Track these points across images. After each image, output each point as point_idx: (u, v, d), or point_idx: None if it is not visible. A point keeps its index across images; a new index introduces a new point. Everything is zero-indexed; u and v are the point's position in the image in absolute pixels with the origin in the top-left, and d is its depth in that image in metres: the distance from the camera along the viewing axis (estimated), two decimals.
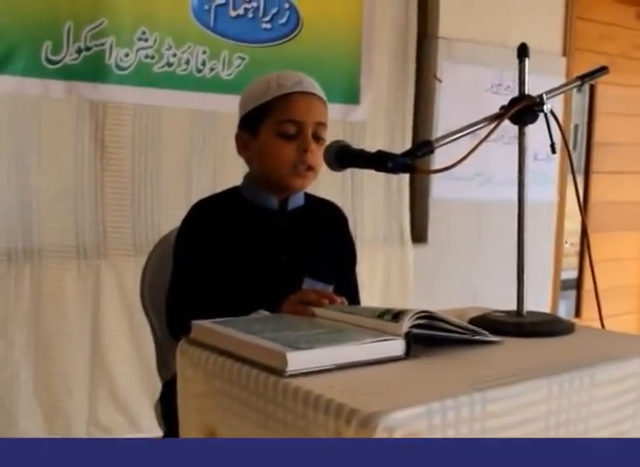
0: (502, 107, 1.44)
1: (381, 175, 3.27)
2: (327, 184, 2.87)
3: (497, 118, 1.40)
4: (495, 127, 1.37)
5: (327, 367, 1.07)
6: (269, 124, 1.61)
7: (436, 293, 3.48)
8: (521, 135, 1.45)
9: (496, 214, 3.64)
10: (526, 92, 1.43)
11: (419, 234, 3.55)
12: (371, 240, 3.34)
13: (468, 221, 3.68)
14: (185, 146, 2.83)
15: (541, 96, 1.40)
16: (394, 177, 3.33)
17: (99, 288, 2.66)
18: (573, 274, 4.57)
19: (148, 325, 1.84)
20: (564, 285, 4.42)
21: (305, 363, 1.05)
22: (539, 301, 3.92)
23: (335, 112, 3.15)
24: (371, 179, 3.29)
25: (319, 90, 1.65)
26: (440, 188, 3.56)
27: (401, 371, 1.10)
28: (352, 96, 3.28)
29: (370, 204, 3.33)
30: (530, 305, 1.44)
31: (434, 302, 1.55)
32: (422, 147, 1.33)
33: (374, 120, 3.33)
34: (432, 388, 1.03)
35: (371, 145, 3.18)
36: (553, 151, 1.43)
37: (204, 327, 1.23)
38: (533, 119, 1.42)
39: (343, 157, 1.38)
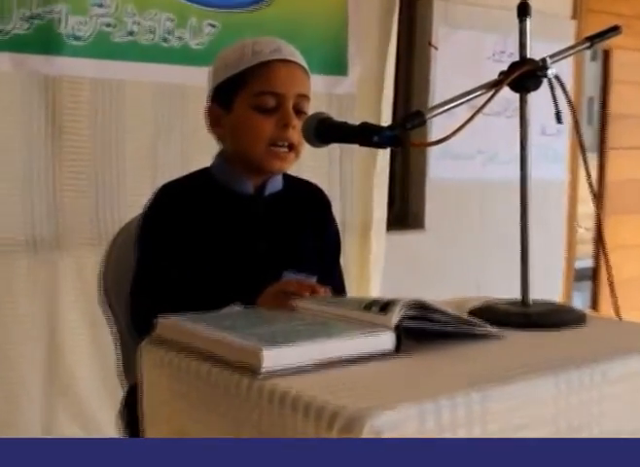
0: (501, 73, 1.43)
1: (369, 154, 3.27)
2: (310, 163, 2.87)
3: (495, 85, 1.40)
4: (493, 95, 1.37)
5: (307, 364, 1.07)
6: (245, 96, 1.60)
7: (434, 284, 3.49)
8: (523, 104, 1.44)
9: (501, 196, 3.64)
10: (528, 56, 1.42)
11: (415, 220, 3.56)
12: (361, 226, 3.34)
13: (469, 203, 3.69)
14: (150, 124, 2.82)
15: (544, 60, 1.40)
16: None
17: (56, 283, 2.64)
18: (589, 263, 4.59)
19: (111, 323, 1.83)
20: (579, 275, 4.44)
21: (283, 360, 1.05)
22: (550, 292, 3.93)
23: (318, 84, 3.15)
24: (361, 158, 3.29)
25: (300, 59, 1.65)
26: (438, 167, 3.57)
27: (390, 368, 1.10)
28: (339, 67, 3.27)
29: (359, 187, 3.33)
30: (540, 297, 1.44)
31: (432, 293, 1.55)
32: (412, 118, 1.32)
33: (365, 92, 3.32)
34: (425, 386, 1.03)
35: (360, 121, 3.16)
36: (559, 120, 1.43)
37: (170, 324, 1.23)
38: (536, 85, 1.42)
39: (324, 131, 1.38)
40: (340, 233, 1.85)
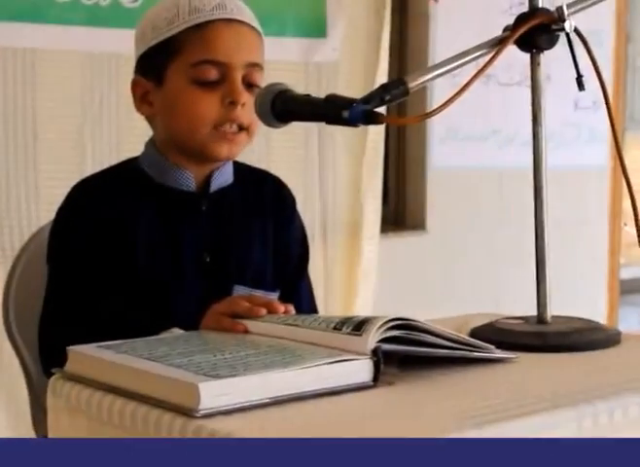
0: (506, 28, 1.44)
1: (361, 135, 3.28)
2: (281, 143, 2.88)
3: (500, 42, 1.41)
4: (495, 56, 1.37)
5: (258, 401, 1.07)
6: (179, 66, 1.60)
7: (439, 298, 3.50)
8: (534, 67, 1.45)
9: (522, 185, 3.63)
10: (540, 5, 1.43)
11: (414, 219, 3.58)
12: (347, 227, 3.35)
13: (482, 197, 3.70)
14: (73, 104, 2.82)
15: (560, 10, 1.41)
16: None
17: None
18: None
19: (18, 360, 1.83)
20: (628, 286, 4.46)
21: (227, 397, 1.05)
22: (593, 307, 3.95)
23: (292, 50, 3.18)
24: (346, 139, 3.30)
25: (250, 17, 1.65)
26: (441, 153, 3.58)
27: (365, 404, 1.10)
28: (316, 27, 3.28)
29: (345, 176, 3.34)
30: (581, 314, 1.46)
31: (436, 311, 1.56)
32: (391, 88, 1.33)
33: (350, 58, 3.33)
34: (409, 426, 1.03)
35: (346, 94, 3.17)
36: (580, 87, 1.44)
37: (85, 354, 1.23)
38: (550, 42, 1.43)
39: (282, 106, 1.38)
40: (320, 235, 1.85)
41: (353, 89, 3.23)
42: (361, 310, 3.29)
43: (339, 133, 3.30)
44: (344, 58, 3.34)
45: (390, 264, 3.40)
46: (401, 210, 3.62)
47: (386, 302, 3.36)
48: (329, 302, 3.19)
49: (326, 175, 3.32)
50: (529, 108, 1.48)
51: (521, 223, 3.69)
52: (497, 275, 3.72)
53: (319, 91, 1.40)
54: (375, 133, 3.36)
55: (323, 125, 3.01)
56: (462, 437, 0.99)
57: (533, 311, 1.50)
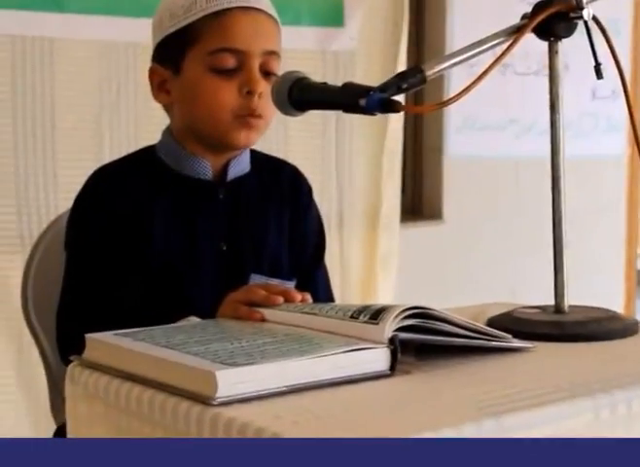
0: (524, 16, 1.44)
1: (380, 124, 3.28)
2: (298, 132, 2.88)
3: (518, 31, 1.40)
4: (513, 44, 1.37)
5: (275, 390, 1.07)
6: (197, 54, 1.60)
7: (456, 288, 3.49)
8: (552, 55, 1.45)
9: (540, 175, 3.63)
10: None
11: (431, 208, 3.57)
12: (365, 218, 3.35)
13: (499, 187, 3.69)
14: (91, 94, 2.83)
15: None
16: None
17: None
18: None
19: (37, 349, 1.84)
20: None
21: (244, 385, 1.05)
22: (610, 297, 3.94)
23: (309, 39, 3.18)
24: (363, 128, 3.30)
25: (268, 4, 1.65)
26: (458, 142, 3.57)
27: (382, 392, 1.10)
28: (333, 16, 3.28)
29: (361, 170, 3.34)
30: (598, 304, 1.46)
31: (453, 301, 1.56)
32: (409, 75, 1.32)
33: (367, 47, 3.33)
34: (425, 415, 1.02)
35: (363, 83, 3.17)
36: (598, 75, 1.43)
37: (103, 342, 1.23)
38: (568, 31, 1.43)
39: (299, 94, 1.38)
40: (336, 225, 1.85)
41: (370, 77, 3.22)
42: (381, 300, 3.29)
43: (357, 122, 3.29)
44: (362, 47, 3.33)
45: (407, 253, 3.39)
46: (418, 200, 3.61)
47: (402, 291, 3.36)
48: (345, 291, 3.19)
49: (343, 165, 3.32)
50: (546, 97, 1.47)
51: (538, 212, 3.68)
52: (513, 265, 3.71)
53: (336, 80, 1.41)
54: (396, 121, 3.36)
55: (340, 114, 3.02)
56: (479, 426, 0.99)
57: (549, 300, 1.50)
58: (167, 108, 1.69)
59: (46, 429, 2.61)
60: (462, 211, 3.61)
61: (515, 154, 3.70)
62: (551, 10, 1.40)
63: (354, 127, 3.32)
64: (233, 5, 1.59)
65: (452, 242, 3.58)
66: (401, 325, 1.17)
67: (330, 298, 1.79)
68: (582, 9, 1.40)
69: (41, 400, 2.59)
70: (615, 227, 4.11)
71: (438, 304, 1.24)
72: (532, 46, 1.52)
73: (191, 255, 1.62)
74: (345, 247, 3.25)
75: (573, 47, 1.48)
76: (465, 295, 3.42)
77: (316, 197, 1.82)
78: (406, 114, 3.27)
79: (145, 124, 2.84)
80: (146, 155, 1.69)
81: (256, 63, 1.60)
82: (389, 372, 1.15)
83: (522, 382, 1.14)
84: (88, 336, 1.25)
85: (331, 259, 1.86)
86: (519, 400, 1.06)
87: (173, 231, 1.62)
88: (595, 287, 3.44)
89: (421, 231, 3.53)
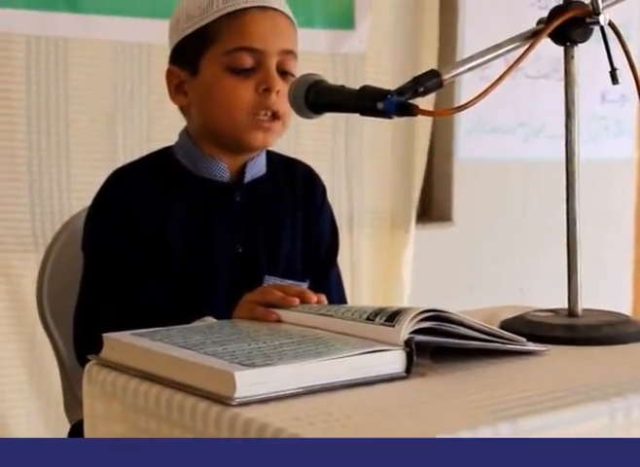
0: (540, 21, 1.44)
1: (389, 127, 3.28)
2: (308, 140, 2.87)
3: (534, 35, 1.40)
4: (529, 49, 1.37)
5: (292, 391, 1.07)
6: (214, 54, 1.60)
7: (465, 290, 3.49)
8: (569, 60, 1.45)
9: (548, 179, 3.64)
10: None
11: (441, 210, 3.57)
12: (374, 222, 3.35)
13: (509, 189, 3.69)
14: (105, 93, 2.83)
15: (595, 3, 1.40)
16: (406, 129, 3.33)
17: None
18: None
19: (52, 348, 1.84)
20: None
21: (262, 386, 1.05)
22: (618, 300, 3.94)
23: (318, 41, 3.18)
24: (376, 133, 3.30)
25: (284, 5, 1.65)
26: (468, 145, 3.57)
27: (398, 394, 1.10)
28: (344, 19, 3.28)
29: (372, 170, 3.34)
30: (606, 307, 1.45)
31: (462, 302, 1.57)
32: (426, 79, 1.32)
33: (377, 51, 3.33)
34: (440, 417, 1.03)
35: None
36: (614, 80, 1.43)
37: (121, 341, 1.23)
38: (584, 36, 1.42)
39: (316, 97, 1.38)
40: (347, 226, 1.85)
41: (380, 80, 3.22)
42: (391, 301, 3.29)
43: (367, 123, 3.29)
44: (371, 50, 3.34)
45: (417, 254, 3.40)
46: (427, 202, 3.61)
47: (412, 292, 3.36)
48: (355, 292, 3.19)
49: (352, 165, 3.32)
50: (556, 101, 1.47)
51: (547, 215, 3.70)
52: (522, 266, 3.71)
53: (346, 83, 1.41)
54: (423, 127, 3.38)
55: (350, 115, 3.02)
56: (495, 429, 0.99)
57: (558, 301, 1.50)
58: (184, 110, 1.69)
59: (58, 427, 2.63)
60: (472, 213, 3.61)
61: (525, 157, 3.70)
62: (568, 15, 1.40)
63: (364, 128, 3.32)
64: (250, 5, 1.60)
65: (462, 244, 3.58)
66: (417, 327, 1.17)
67: (342, 298, 1.80)
68: (598, 14, 1.40)
69: (53, 398, 2.61)
70: (623, 229, 4.11)
71: (447, 304, 1.24)
72: (543, 49, 1.51)
73: (207, 257, 1.62)
74: (355, 248, 3.25)
75: (583, 50, 1.47)
76: (474, 296, 3.44)
77: None
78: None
79: (158, 124, 2.85)
80: (163, 156, 1.69)
81: (273, 62, 1.60)
82: (405, 374, 1.14)
83: (537, 386, 1.13)
84: (105, 335, 1.26)
85: (341, 259, 1.86)
86: (535, 403, 1.06)
87: (190, 232, 1.62)
88: (603, 290, 3.44)
89: (431, 232, 3.53)
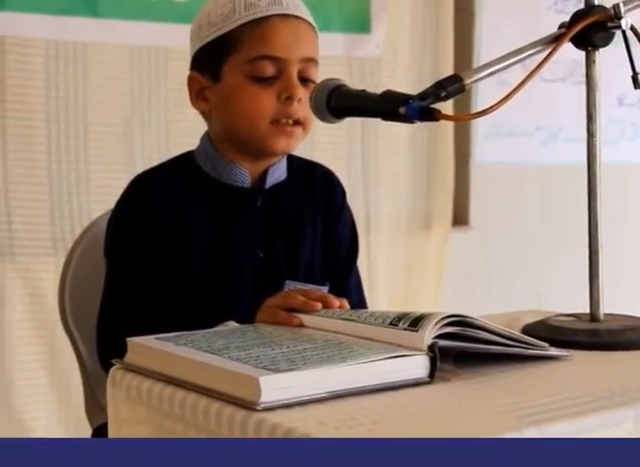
0: (562, 25, 1.43)
1: (406, 131, 3.29)
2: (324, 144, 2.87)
3: (555, 40, 1.40)
4: (552, 53, 1.37)
5: (317, 395, 1.07)
6: (236, 62, 1.60)
7: (482, 294, 3.49)
8: (590, 64, 1.45)
9: (566, 182, 3.64)
10: (596, 3, 1.42)
11: (458, 214, 3.56)
12: (390, 226, 3.35)
13: (526, 193, 3.69)
14: (123, 98, 2.84)
15: (617, 7, 1.40)
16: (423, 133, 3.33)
17: (3, 301, 2.68)
18: None
19: (73, 351, 1.85)
20: None
21: (287, 390, 1.05)
22: (636, 304, 3.92)
23: (335, 45, 3.18)
24: (392, 138, 3.30)
25: (306, 12, 1.66)
26: (485, 149, 3.57)
27: (422, 399, 1.10)
28: (360, 23, 3.28)
29: (390, 174, 3.35)
30: (623, 312, 1.45)
31: (479, 307, 1.57)
32: (448, 84, 1.32)
33: (393, 55, 3.33)
34: (466, 422, 1.02)
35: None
36: (636, 85, 1.42)
37: (145, 346, 1.24)
38: (606, 40, 1.42)
39: (338, 102, 1.38)
40: (363, 231, 1.85)
41: (395, 84, 3.22)
42: (408, 306, 3.29)
43: (382, 128, 3.29)
44: (387, 54, 3.34)
45: (434, 258, 3.41)
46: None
47: (429, 296, 3.36)
48: (372, 296, 3.19)
49: (369, 169, 3.33)
50: (573, 104, 1.47)
51: (563, 219, 3.69)
52: (539, 270, 3.70)
53: (362, 87, 1.41)
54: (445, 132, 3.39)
55: (366, 119, 3.02)
56: (521, 435, 0.99)
57: (575, 306, 1.49)
58: (205, 115, 1.69)
59: (78, 430, 2.64)
60: (489, 217, 3.60)
61: (542, 160, 3.70)
62: (590, 19, 1.40)
63: (379, 133, 3.32)
64: (272, 12, 1.60)
65: (479, 248, 3.58)
66: (440, 332, 1.17)
67: (362, 301, 1.79)
68: (620, 18, 1.40)
69: (72, 401, 2.62)
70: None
71: (463, 308, 1.24)
72: (560, 53, 1.51)
73: (229, 262, 1.63)
74: (372, 252, 3.26)
75: (599, 54, 1.47)
76: (490, 300, 3.44)
77: None
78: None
79: (175, 128, 2.86)
80: (185, 161, 1.69)
81: (295, 70, 1.60)
82: (429, 379, 1.14)
83: (561, 391, 1.13)
84: (129, 339, 1.26)
85: (358, 263, 1.86)
86: (560, 408, 1.06)
87: (212, 237, 1.63)
88: (621, 294, 3.43)
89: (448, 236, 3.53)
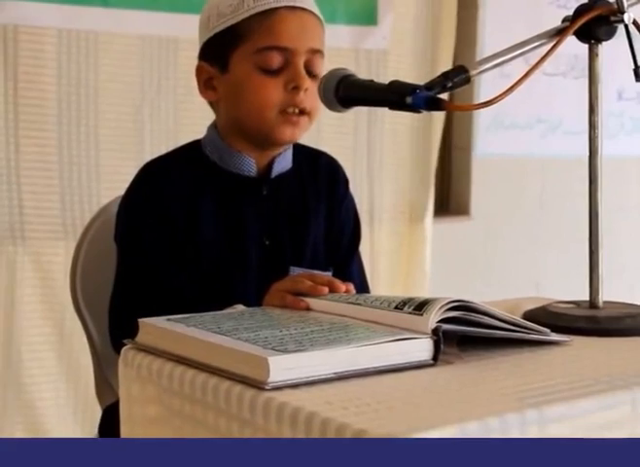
0: (565, 19, 1.44)
1: (408, 123, 3.29)
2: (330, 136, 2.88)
3: (558, 34, 1.40)
4: (555, 46, 1.37)
5: (324, 376, 1.08)
6: (244, 52, 1.61)
7: (482, 283, 3.50)
8: (593, 57, 1.45)
9: (565, 175, 3.65)
10: None
11: (459, 205, 3.57)
12: (393, 215, 3.35)
13: (526, 185, 3.69)
14: (133, 86, 2.84)
15: (620, 1, 1.40)
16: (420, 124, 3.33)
17: (14, 283, 2.69)
18: None
19: (84, 332, 1.85)
20: None
21: (294, 371, 1.06)
22: (633, 295, 3.93)
23: (342, 37, 3.18)
24: (396, 129, 3.31)
25: (312, 4, 1.66)
26: (486, 141, 3.57)
27: (426, 381, 1.11)
28: (367, 15, 3.28)
29: (392, 165, 3.35)
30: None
31: (479, 294, 1.57)
32: (454, 75, 1.33)
33: (399, 46, 3.33)
34: (469, 403, 1.03)
35: None
36: (638, 78, 1.43)
37: (156, 326, 1.24)
38: (608, 34, 1.42)
39: (346, 91, 1.39)
40: (367, 221, 1.86)
41: (401, 76, 3.19)
42: (409, 293, 3.30)
43: (388, 119, 3.29)
44: (394, 46, 3.34)
45: (435, 249, 3.41)
46: (445, 196, 3.63)
47: (430, 284, 3.37)
48: (374, 285, 3.19)
49: (374, 159, 3.33)
50: (573, 98, 1.48)
51: (562, 210, 3.70)
52: (538, 260, 3.71)
53: (368, 78, 1.42)
54: (437, 120, 3.38)
55: (372, 109, 3.03)
56: (522, 416, 1.00)
57: (572, 294, 1.50)
58: (213, 105, 1.70)
59: (86, 410, 2.65)
60: (489, 208, 3.61)
61: (542, 153, 3.70)
62: (593, 13, 1.40)
63: (385, 124, 3.32)
64: (280, 4, 1.60)
65: (479, 238, 3.58)
66: (444, 316, 1.17)
67: (364, 287, 1.80)
68: (623, 12, 1.40)
69: (81, 382, 2.63)
70: (639, 226, 4.10)
71: (464, 297, 1.25)
72: (561, 47, 1.51)
73: (236, 249, 1.63)
74: (375, 242, 3.26)
75: (600, 48, 1.47)
76: (491, 288, 3.44)
77: None
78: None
79: (184, 116, 2.86)
80: (192, 150, 1.70)
81: (301, 60, 1.61)
82: (432, 361, 1.15)
83: (561, 374, 1.14)
84: (141, 320, 1.26)
85: (361, 253, 1.87)
86: (560, 391, 1.07)
87: (220, 225, 1.63)
88: (619, 286, 3.44)
89: (449, 226, 3.54)
